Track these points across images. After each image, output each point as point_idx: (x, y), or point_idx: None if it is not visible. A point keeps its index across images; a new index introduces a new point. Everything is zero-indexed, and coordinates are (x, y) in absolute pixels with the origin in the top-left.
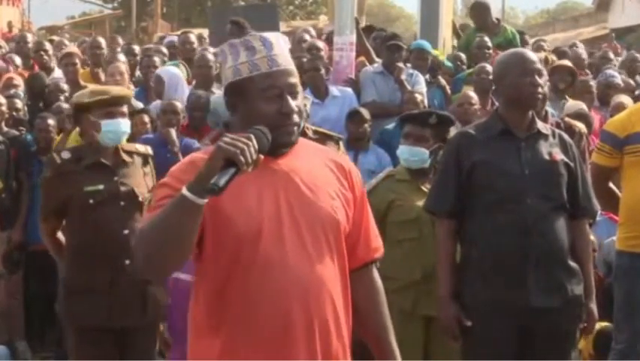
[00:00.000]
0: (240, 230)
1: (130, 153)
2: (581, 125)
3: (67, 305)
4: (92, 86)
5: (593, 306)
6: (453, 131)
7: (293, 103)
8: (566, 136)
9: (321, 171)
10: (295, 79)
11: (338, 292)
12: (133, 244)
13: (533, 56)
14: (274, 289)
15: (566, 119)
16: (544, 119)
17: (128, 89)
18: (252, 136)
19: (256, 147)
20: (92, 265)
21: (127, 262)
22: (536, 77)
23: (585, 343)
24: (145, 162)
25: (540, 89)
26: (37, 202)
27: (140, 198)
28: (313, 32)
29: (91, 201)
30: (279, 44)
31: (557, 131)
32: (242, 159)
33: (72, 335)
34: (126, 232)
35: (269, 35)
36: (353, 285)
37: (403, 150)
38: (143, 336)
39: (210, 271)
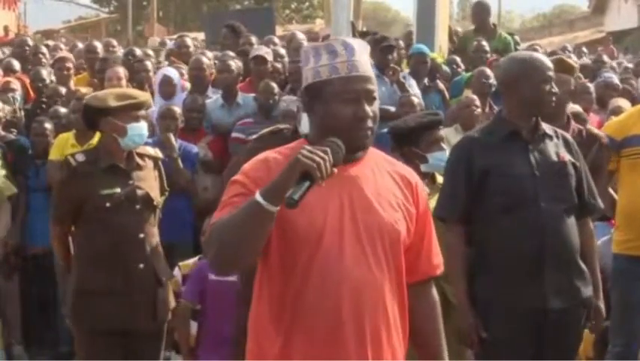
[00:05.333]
0: (302, 233)
1: (142, 157)
2: (602, 134)
3: (78, 308)
4: (113, 90)
5: (601, 304)
6: (447, 132)
7: (368, 108)
8: (567, 135)
9: (387, 182)
10: (372, 86)
11: (392, 301)
12: (205, 239)
13: (548, 62)
14: (329, 291)
15: (588, 126)
16: (567, 126)
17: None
18: (329, 150)
19: (332, 160)
20: (106, 268)
21: (141, 265)
22: (553, 85)
23: (584, 344)
24: (156, 166)
25: (554, 97)
26: (34, 206)
27: (155, 202)
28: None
29: (107, 204)
30: (361, 51)
31: (559, 131)
32: (318, 173)
33: (81, 338)
34: (142, 235)
35: (352, 41)
36: (412, 299)
37: (439, 157)
38: (151, 339)
39: (273, 271)
